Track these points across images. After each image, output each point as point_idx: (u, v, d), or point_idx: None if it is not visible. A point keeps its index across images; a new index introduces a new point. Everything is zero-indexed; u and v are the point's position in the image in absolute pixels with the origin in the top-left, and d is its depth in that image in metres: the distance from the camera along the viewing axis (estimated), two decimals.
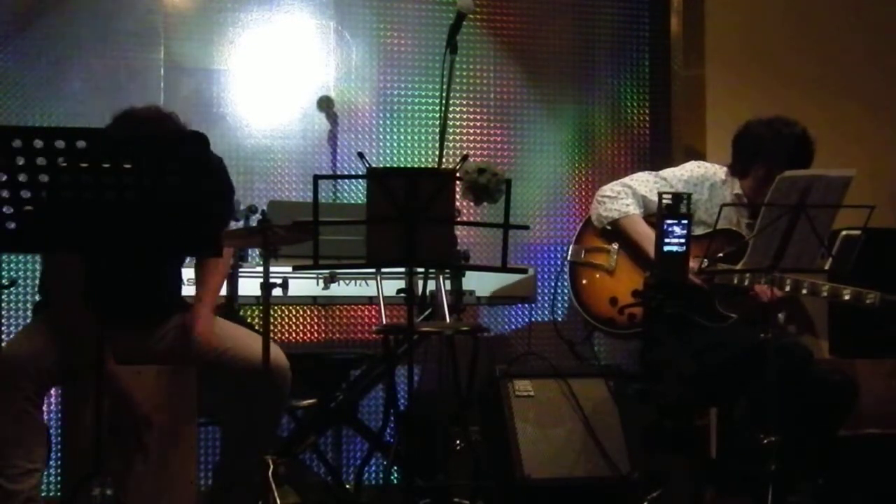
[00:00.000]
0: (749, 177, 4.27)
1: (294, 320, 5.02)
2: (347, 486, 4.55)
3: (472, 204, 4.32)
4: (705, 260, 3.90)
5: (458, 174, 3.57)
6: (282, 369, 3.59)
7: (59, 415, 4.02)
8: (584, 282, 4.43)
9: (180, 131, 3.44)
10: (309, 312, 5.03)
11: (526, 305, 5.10)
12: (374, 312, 4.92)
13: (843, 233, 3.92)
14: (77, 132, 2.92)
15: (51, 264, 3.67)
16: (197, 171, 2.99)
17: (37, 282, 4.50)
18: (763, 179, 4.14)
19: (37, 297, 3.87)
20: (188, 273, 4.11)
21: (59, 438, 3.86)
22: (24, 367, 3.39)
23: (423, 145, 5.22)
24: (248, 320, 4.61)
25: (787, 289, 4.01)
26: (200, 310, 3.65)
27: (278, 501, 3.40)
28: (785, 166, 3.89)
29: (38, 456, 3.43)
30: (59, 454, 3.87)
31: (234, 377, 3.60)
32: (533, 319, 5.08)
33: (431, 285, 4.36)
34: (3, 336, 4.55)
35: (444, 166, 4.45)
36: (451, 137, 5.18)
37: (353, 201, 5.07)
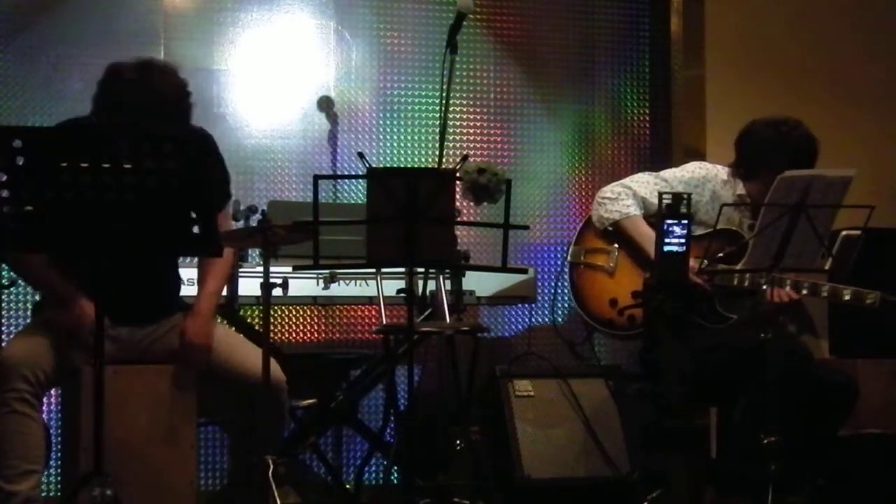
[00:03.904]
0: (755, 180, 4.25)
1: (294, 320, 5.02)
2: (347, 486, 4.55)
3: (472, 204, 4.32)
4: (705, 260, 3.90)
5: (458, 174, 3.57)
6: (277, 383, 3.59)
7: (59, 415, 4.03)
8: (583, 283, 4.42)
9: (181, 132, 3.45)
10: (309, 312, 5.02)
11: (526, 306, 5.10)
12: (374, 312, 4.92)
13: (843, 233, 3.93)
14: (76, 130, 2.92)
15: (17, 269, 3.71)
16: (196, 171, 3.00)
17: None
18: (772, 183, 4.11)
19: (36, 297, 3.88)
20: (189, 273, 4.11)
21: (59, 438, 3.87)
22: (22, 369, 3.39)
23: (423, 145, 5.22)
24: (248, 320, 4.61)
25: (788, 287, 4.01)
26: (195, 314, 3.66)
27: (278, 501, 3.40)
28: (790, 168, 3.89)
29: (37, 457, 3.43)
30: (59, 454, 3.88)
31: (229, 388, 3.61)
32: (533, 320, 5.09)
33: (431, 285, 4.36)
34: (4, 336, 4.55)
35: (444, 166, 4.45)
36: (451, 137, 5.17)
37: (353, 201, 5.06)
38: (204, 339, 3.60)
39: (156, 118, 3.43)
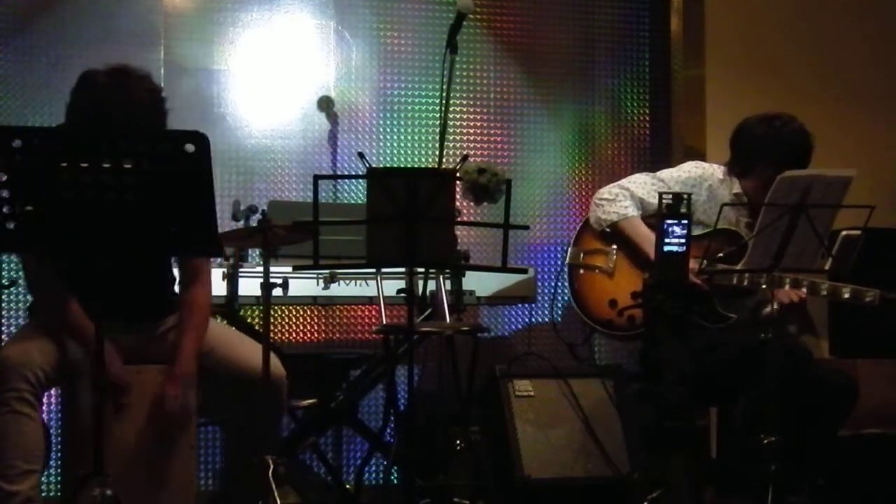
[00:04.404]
0: (750, 177, 4.26)
1: (294, 320, 5.02)
2: (347, 486, 4.55)
3: (472, 204, 4.33)
4: (704, 261, 3.90)
5: (458, 174, 3.57)
6: (278, 378, 3.59)
7: (59, 415, 4.03)
8: (583, 284, 4.42)
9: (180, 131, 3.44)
10: (309, 312, 5.03)
11: (526, 306, 5.10)
12: (374, 312, 4.92)
13: (843, 233, 3.93)
14: (75, 130, 2.92)
15: (28, 265, 3.65)
16: (196, 170, 2.99)
17: None
18: (767, 180, 4.11)
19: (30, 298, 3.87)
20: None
21: (59, 438, 3.87)
22: (21, 369, 3.38)
23: (423, 145, 5.22)
24: (248, 320, 4.61)
25: (794, 287, 4.01)
26: (175, 377, 3.54)
27: (278, 501, 3.40)
28: (785, 165, 3.89)
29: (37, 457, 3.42)
30: (59, 454, 3.88)
31: (228, 385, 3.60)
32: (533, 320, 5.09)
33: (431, 285, 4.36)
34: (3, 336, 4.55)
35: (444, 166, 4.45)
36: (451, 137, 5.17)
37: (353, 201, 5.07)
38: (182, 409, 3.52)
39: (131, 123, 3.41)
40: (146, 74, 3.56)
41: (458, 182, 3.65)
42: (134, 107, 3.43)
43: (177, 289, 3.83)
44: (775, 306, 3.88)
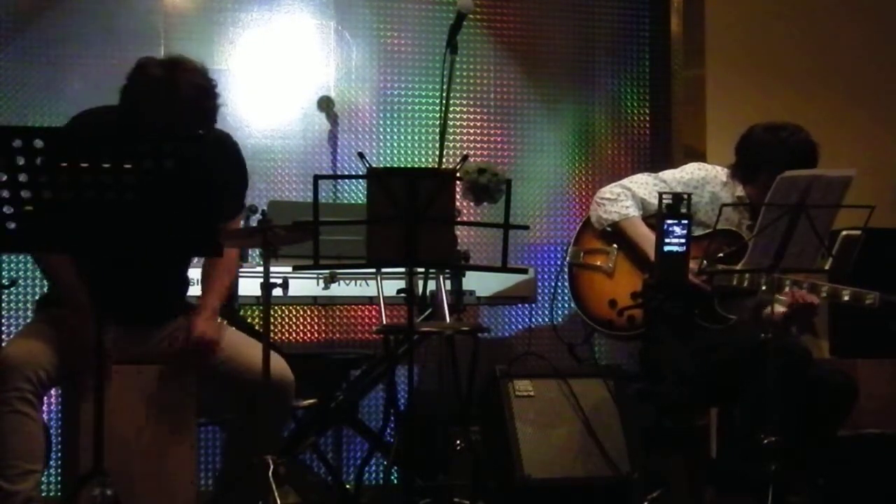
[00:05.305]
0: (754, 184, 4.24)
1: (294, 320, 5.02)
2: (347, 486, 4.55)
3: (472, 204, 4.33)
4: (704, 261, 3.90)
5: (458, 174, 3.57)
6: (285, 382, 3.58)
7: (59, 415, 4.03)
8: (582, 283, 4.42)
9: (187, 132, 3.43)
10: (309, 312, 5.03)
11: (526, 306, 5.10)
12: (374, 312, 4.92)
13: (843, 233, 3.93)
14: (76, 131, 2.92)
15: (41, 262, 3.66)
16: (197, 170, 2.99)
17: (37, 281, 4.51)
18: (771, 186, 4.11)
19: (37, 296, 3.86)
20: (195, 273, 4.11)
21: (59, 438, 3.87)
22: (23, 368, 3.37)
23: (423, 145, 5.22)
24: (248, 320, 4.61)
25: (787, 288, 4.02)
26: (203, 310, 3.63)
27: (278, 501, 3.40)
28: None
29: (38, 457, 3.42)
30: (59, 454, 3.88)
31: (235, 387, 3.60)
32: (533, 320, 5.09)
33: (431, 285, 4.36)
34: (4, 336, 4.55)
35: (444, 166, 4.45)
36: (451, 137, 5.18)
37: (353, 201, 5.07)
38: (212, 336, 3.58)
39: (173, 117, 3.39)
40: (199, 69, 3.50)
41: (458, 182, 3.65)
42: (176, 102, 3.38)
43: (190, 291, 3.82)
44: (781, 309, 3.88)
